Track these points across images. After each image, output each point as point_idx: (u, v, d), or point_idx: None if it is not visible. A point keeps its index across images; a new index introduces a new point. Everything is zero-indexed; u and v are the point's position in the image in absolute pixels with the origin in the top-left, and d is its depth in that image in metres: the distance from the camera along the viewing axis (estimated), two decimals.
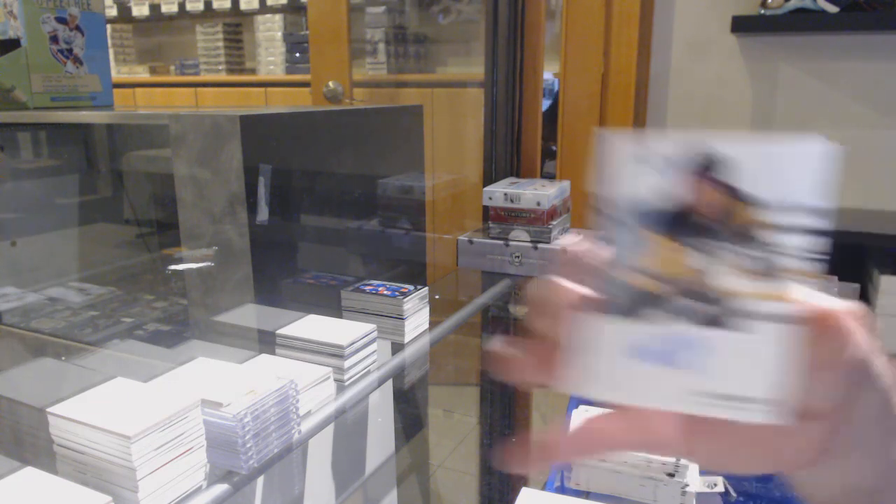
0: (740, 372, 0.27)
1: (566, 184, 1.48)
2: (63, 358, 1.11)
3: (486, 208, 1.44)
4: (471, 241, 1.42)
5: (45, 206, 1.36)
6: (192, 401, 0.63)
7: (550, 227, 1.36)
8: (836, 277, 1.21)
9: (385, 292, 1.00)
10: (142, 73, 3.52)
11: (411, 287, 1.03)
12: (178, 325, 1.19)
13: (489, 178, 1.64)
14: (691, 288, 0.27)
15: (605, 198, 0.27)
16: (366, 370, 0.90)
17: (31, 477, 0.58)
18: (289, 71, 3.08)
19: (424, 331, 1.05)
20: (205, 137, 0.90)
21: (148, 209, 1.45)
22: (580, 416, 0.78)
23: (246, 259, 0.91)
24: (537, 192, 1.35)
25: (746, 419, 0.27)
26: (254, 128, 0.89)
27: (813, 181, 0.25)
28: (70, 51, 1.26)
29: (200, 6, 3.24)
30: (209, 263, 0.93)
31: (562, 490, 0.73)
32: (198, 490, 0.64)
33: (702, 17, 1.98)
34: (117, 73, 3.49)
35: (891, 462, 0.33)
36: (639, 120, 2.09)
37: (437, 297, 1.28)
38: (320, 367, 0.81)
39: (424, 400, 1.20)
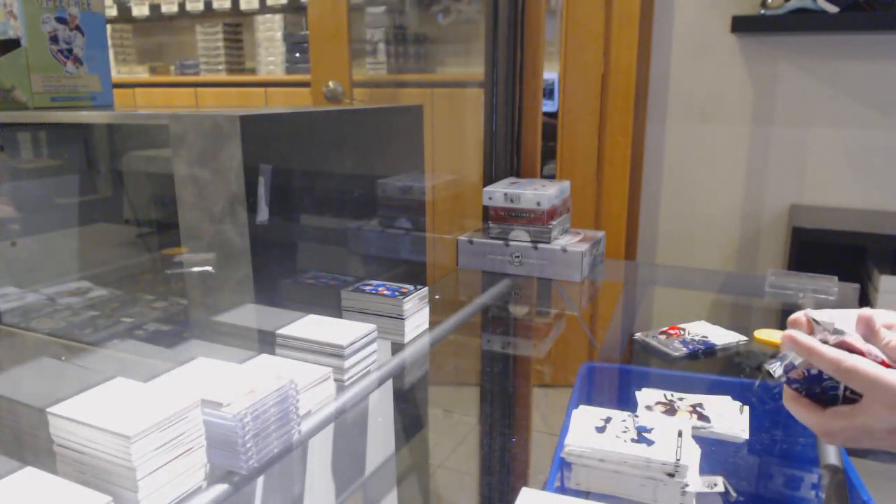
0: None
1: (566, 184, 1.48)
2: (63, 358, 1.11)
3: (486, 208, 1.44)
4: (471, 241, 1.42)
5: (45, 206, 1.36)
6: (192, 401, 0.63)
7: (550, 227, 1.36)
8: (836, 277, 1.21)
9: (385, 292, 1.01)
10: (142, 73, 3.52)
11: (411, 287, 1.03)
12: (178, 325, 1.19)
13: (489, 178, 1.64)
14: None
15: None
16: (366, 370, 0.90)
17: (31, 477, 0.58)
18: (289, 71, 3.09)
19: (424, 331, 1.05)
20: (205, 137, 0.90)
21: (148, 209, 1.45)
22: (580, 415, 0.78)
23: (246, 259, 0.91)
24: (537, 192, 1.35)
25: None
26: (254, 128, 0.89)
27: None
28: (70, 51, 1.26)
29: (200, 6, 3.24)
30: (209, 264, 0.93)
31: (562, 490, 0.73)
32: (198, 490, 0.64)
33: (702, 18, 1.98)
34: (117, 73, 3.49)
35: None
36: (639, 120, 2.10)
37: (437, 297, 1.28)
38: (320, 367, 0.81)
39: (424, 400, 1.20)
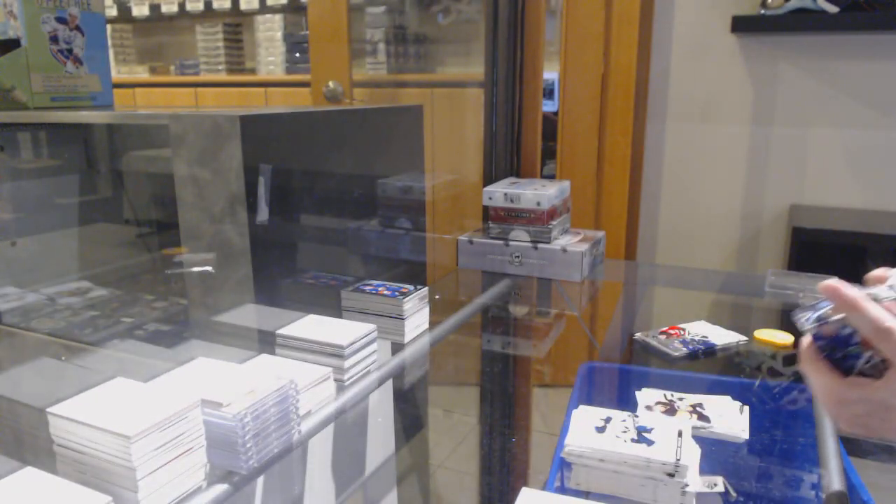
0: None
1: (566, 184, 1.48)
2: (63, 358, 1.11)
3: (486, 208, 1.44)
4: (471, 241, 1.42)
5: (45, 206, 1.36)
6: (192, 401, 0.63)
7: (550, 227, 1.36)
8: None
9: (385, 292, 1.01)
10: (142, 73, 3.52)
11: (411, 287, 1.03)
12: (178, 325, 1.19)
13: (489, 178, 1.64)
14: None
15: None
16: (366, 370, 0.90)
17: (31, 477, 0.58)
18: (289, 71, 3.09)
19: (424, 331, 1.05)
20: (205, 137, 0.90)
21: (148, 209, 1.45)
22: (580, 415, 0.78)
23: (246, 259, 0.91)
24: (537, 192, 1.35)
25: None
26: (254, 128, 0.89)
27: None
28: (70, 51, 1.26)
29: (200, 6, 3.24)
30: (209, 264, 0.94)
31: (562, 490, 0.73)
32: (198, 490, 0.64)
33: (702, 18, 1.98)
34: (117, 73, 3.49)
35: None
36: (639, 120, 2.09)
37: (437, 297, 1.28)
38: (320, 367, 0.81)
39: (424, 400, 1.21)
